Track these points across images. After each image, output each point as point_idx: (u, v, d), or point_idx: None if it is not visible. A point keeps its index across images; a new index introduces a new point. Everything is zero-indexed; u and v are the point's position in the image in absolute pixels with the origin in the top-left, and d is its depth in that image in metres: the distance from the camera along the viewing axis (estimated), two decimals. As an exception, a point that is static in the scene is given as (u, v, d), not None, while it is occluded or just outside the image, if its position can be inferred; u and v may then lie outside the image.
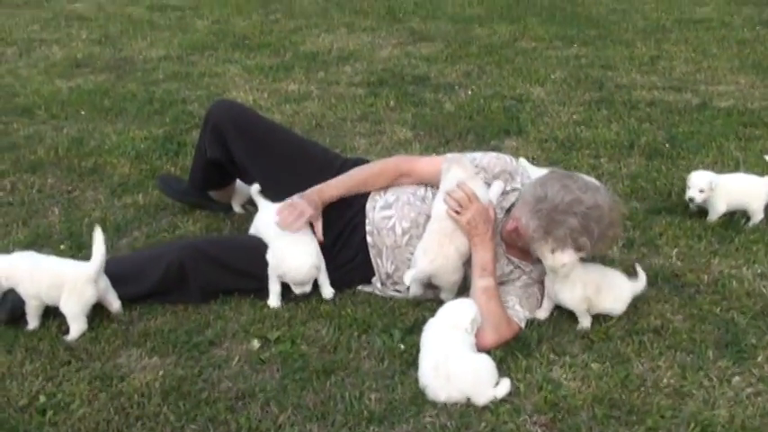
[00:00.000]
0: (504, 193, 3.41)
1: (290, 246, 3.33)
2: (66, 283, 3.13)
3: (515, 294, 3.32)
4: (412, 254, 3.36)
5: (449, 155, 3.52)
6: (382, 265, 3.44)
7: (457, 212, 3.23)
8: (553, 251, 3.12)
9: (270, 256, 3.36)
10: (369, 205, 3.51)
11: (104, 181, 4.62)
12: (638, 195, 4.40)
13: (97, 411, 2.74)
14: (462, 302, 3.09)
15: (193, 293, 3.36)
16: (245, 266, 3.40)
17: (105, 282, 3.21)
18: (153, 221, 4.13)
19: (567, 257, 3.11)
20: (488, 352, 2.99)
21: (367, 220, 3.47)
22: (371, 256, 3.45)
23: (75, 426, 2.67)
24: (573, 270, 3.16)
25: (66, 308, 3.13)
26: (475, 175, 3.35)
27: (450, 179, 3.34)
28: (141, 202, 4.35)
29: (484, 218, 3.23)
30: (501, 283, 3.32)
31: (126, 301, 3.30)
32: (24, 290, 3.15)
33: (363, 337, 3.17)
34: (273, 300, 3.36)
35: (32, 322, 3.19)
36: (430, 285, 3.35)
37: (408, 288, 3.38)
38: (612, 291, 3.25)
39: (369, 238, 3.45)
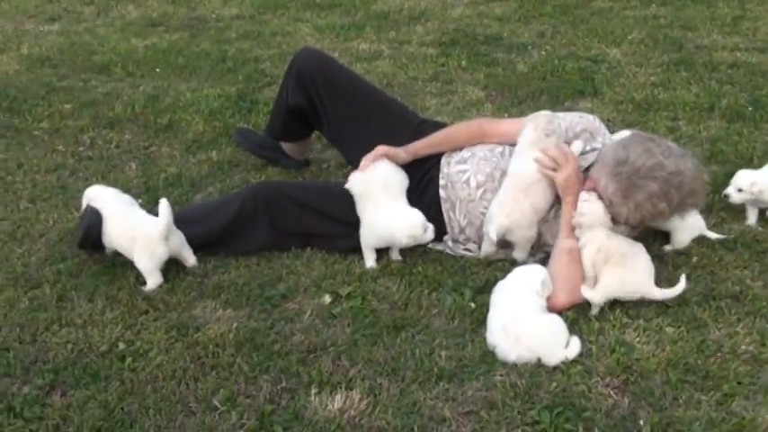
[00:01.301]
0: (584, 153, 3.35)
1: (392, 210, 3.34)
2: (137, 238, 3.21)
3: None
4: (486, 208, 3.34)
5: (534, 113, 3.48)
6: (455, 218, 3.43)
7: (553, 170, 3.20)
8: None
9: (379, 225, 3.35)
10: (444, 160, 3.50)
11: (179, 137, 4.70)
12: (717, 159, 4.27)
13: (174, 360, 2.81)
14: (533, 266, 3.09)
15: (265, 233, 3.41)
16: (320, 206, 3.43)
17: (179, 238, 3.28)
18: (227, 177, 4.19)
19: None
20: (560, 313, 2.96)
21: (441, 174, 3.46)
22: (444, 210, 3.44)
23: (153, 372, 2.75)
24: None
25: (139, 263, 3.21)
26: (545, 137, 3.29)
27: (524, 142, 3.32)
28: (215, 158, 4.41)
29: (578, 177, 3.20)
30: None
31: (199, 243, 3.37)
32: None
33: (434, 294, 3.17)
34: (370, 261, 3.39)
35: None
36: (502, 243, 3.32)
37: (480, 247, 3.37)
38: (619, 270, 3.05)
39: (442, 192, 3.44)
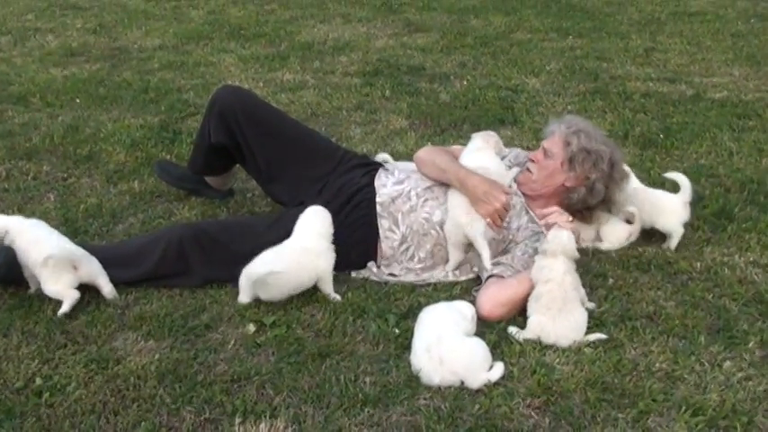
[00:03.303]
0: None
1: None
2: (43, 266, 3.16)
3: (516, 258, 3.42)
4: (428, 213, 3.50)
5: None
6: (393, 235, 3.52)
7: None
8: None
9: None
10: (378, 182, 3.62)
11: (100, 168, 4.63)
12: (631, 184, 4.41)
13: (93, 393, 2.75)
14: (461, 303, 3.14)
15: (192, 276, 3.37)
16: (243, 247, 3.37)
17: (91, 266, 3.22)
18: (149, 208, 4.14)
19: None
20: (482, 334, 3.01)
21: (378, 194, 3.57)
22: (380, 229, 3.52)
23: (72, 407, 2.68)
24: None
25: (46, 289, 3.18)
26: (490, 148, 3.59)
27: (471, 147, 3.62)
28: (137, 189, 4.35)
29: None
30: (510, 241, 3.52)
31: (123, 284, 3.32)
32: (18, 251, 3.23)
33: (358, 321, 3.19)
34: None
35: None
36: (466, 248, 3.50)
37: (407, 267, 3.52)
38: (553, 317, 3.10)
39: (379, 208, 3.53)
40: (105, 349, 2.99)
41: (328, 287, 3.32)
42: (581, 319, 3.10)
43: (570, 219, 3.39)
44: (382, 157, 4.26)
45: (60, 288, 3.15)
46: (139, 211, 4.11)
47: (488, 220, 3.37)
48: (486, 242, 3.37)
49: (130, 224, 3.98)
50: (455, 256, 3.47)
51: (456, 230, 3.43)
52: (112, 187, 4.39)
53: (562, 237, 3.19)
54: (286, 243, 3.32)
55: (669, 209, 3.75)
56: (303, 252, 3.28)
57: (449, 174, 3.50)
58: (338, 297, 3.33)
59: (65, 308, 3.14)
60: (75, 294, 3.16)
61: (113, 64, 6.80)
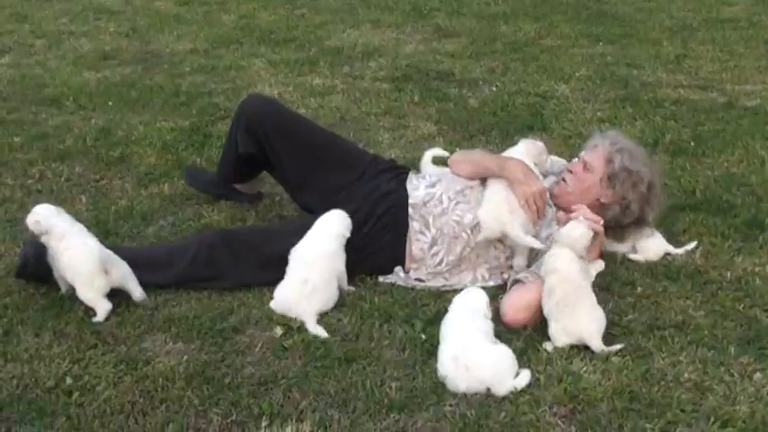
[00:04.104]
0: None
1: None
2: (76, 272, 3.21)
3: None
4: (459, 216, 3.51)
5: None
6: (425, 237, 3.53)
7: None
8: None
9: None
10: (410, 186, 3.64)
11: (131, 171, 4.68)
12: (661, 192, 4.38)
13: (122, 394, 2.79)
14: (473, 290, 3.16)
15: (222, 280, 3.40)
16: (274, 250, 3.39)
17: (122, 270, 3.27)
18: (179, 211, 4.18)
19: None
20: (509, 341, 3.01)
21: (411, 197, 3.58)
22: (410, 231, 3.53)
23: (101, 407, 2.72)
24: None
25: (80, 295, 3.22)
26: (529, 156, 3.61)
27: (511, 150, 3.68)
28: (167, 191, 4.39)
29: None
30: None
31: (153, 287, 3.35)
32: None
33: (385, 326, 3.20)
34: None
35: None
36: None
37: (435, 274, 3.50)
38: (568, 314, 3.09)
39: (411, 211, 3.54)
40: (134, 350, 3.03)
41: (344, 284, 3.38)
42: (598, 311, 3.08)
43: (601, 222, 3.32)
44: (432, 153, 4.15)
45: (94, 295, 3.19)
46: (169, 214, 4.15)
47: (524, 202, 3.39)
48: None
49: (161, 226, 4.02)
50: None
51: (494, 225, 3.42)
52: (143, 189, 4.44)
53: (575, 230, 3.17)
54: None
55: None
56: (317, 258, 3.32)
57: (486, 162, 3.56)
58: (353, 288, 3.40)
59: (100, 317, 3.18)
60: (108, 306, 3.20)
61: (145, 67, 6.87)
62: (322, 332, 3.13)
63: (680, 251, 3.71)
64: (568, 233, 3.17)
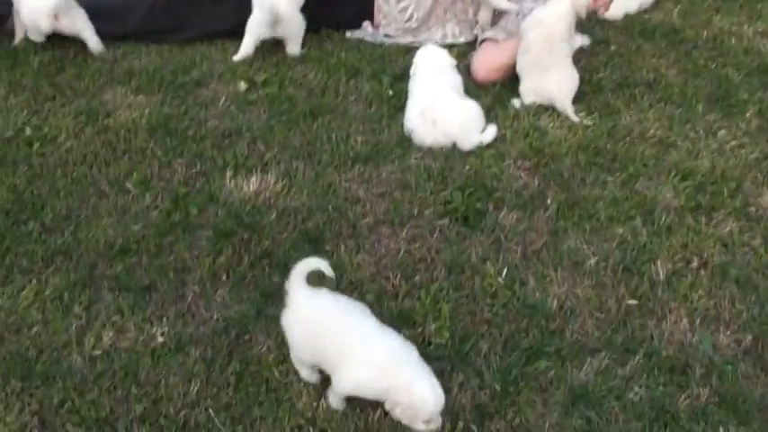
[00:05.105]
0: None
1: None
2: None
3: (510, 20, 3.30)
4: None
5: None
6: None
7: None
8: None
9: None
10: None
11: None
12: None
13: (84, 145, 2.75)
14: (434, 47, 3.00)
15: (182, 31, 3.26)
16: None
17: (76, 18, 3.13)
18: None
19: None
20: (478, 97, 2.96)
21: None
22: None
23: (63, 157, 2.68)
24: None
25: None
26: None
27: None
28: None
29: None
30: None
31: (110, 39, 3.22)
32: None
33: (352, 82, 3.13)
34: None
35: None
36: None
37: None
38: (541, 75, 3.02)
39: None
40: (95, 102, 2.96)
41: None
42: (571, 74, 3.01)
43: None
44: None
45: (35, 37, 3.12)
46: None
47: None
48: None
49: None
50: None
51: None
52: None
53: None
54: None
55: None
56: None
57: None
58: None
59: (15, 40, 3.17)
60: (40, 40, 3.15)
61: None
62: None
63: None
64: None
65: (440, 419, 1.79)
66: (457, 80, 2.92)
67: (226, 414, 1.87)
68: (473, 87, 3.08)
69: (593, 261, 2.33)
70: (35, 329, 2.06)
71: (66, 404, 1.88)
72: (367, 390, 1.81)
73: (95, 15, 3.18)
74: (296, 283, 1.90)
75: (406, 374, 1.76)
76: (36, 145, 2.73)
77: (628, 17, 3.59)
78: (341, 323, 1.85)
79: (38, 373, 1.94)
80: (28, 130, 2.79)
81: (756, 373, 2.02)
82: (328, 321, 1.85)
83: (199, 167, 2.67)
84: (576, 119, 2.94)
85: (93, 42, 3.17)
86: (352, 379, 1.82)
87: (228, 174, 2.63)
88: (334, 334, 1.83)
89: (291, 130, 2.86)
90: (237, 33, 3.22)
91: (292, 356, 1.94)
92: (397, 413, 1.78)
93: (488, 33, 3.23)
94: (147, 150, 2.73)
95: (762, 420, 1.89)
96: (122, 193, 2.54)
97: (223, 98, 3.02)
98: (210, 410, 1.88)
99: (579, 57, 3.25)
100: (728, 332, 2.12)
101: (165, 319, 2.10)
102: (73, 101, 2.96)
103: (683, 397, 1.94)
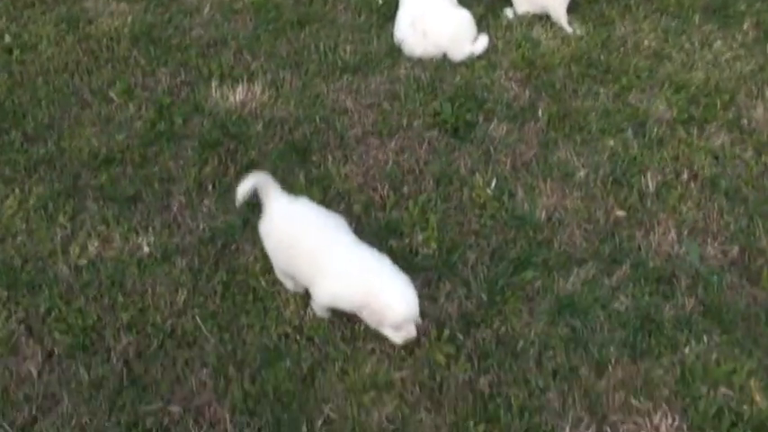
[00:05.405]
0: None
1: None
2: None
3: None
4: None
5: None
6: None
7: None
8: None
9: None
10: None
11: None
12: None
13: (65, 53, 2.68)
14: None
15: None
16: None
17: None
18: None
19: None
20: (470, 6, 2.89)
21: None
22: None
23: (44, 65, 2.62)
24: None
25: None
26: None
27: None
28: None
29: None
30: None
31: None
32: None
33: (341, -10, 3.05)
34: None
35: None
36: None
37: None
38: None
39: None
40: (75, 10, 2.88)
41: None
42: None
43: None
44: None
45: None
46: None
47: None
48: None
49: None
50: None
51: None
52: None
53: None
54: None
55: None
56: None
57: None
58: None
59: None
60: None
61: None
62: None
63: None
64: None
65: (413, 329, 1.79)
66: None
67: (213, 322, 1.88)
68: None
69: (582, 173, 2.31)
70: (20, 239, 2.04)
71: (53, 312, 1.88)
72: (344, 302, 1.81)
73: None
74: (272, 192, 1.88)
75: (376, 282, 1.76)
76: (16, 52, 2.66)
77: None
78: (313, 237, 1.83)
79: (24, 282, 1.94)
80: (7, 38, 2.73)
81: (742, 284, 2.02)
82: (301, 234, 1.84)
83: (183, 77, 2.62)
84: (569, 29, 2.88)
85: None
86: (328, 291, 1.82)
87: (214, 83, 2.58)
88: (307, 247, 1.82)
89: (278, 39, 2.80)
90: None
91: (275, 268, 1.94)
92: (365, 315, 1.79)
93: None
94: (131, 59, 2.67)
95: (745, 329, 1.91)
96: (105, 102, 2.49)
97: (208, 6, 2.94)
98: (197, 318, 1.88)
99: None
100: (716, 243, 2.12)
101: (150, 229, 2.09)
102: (53, 8, 2.88)
103: (668, 307, 1.95)
